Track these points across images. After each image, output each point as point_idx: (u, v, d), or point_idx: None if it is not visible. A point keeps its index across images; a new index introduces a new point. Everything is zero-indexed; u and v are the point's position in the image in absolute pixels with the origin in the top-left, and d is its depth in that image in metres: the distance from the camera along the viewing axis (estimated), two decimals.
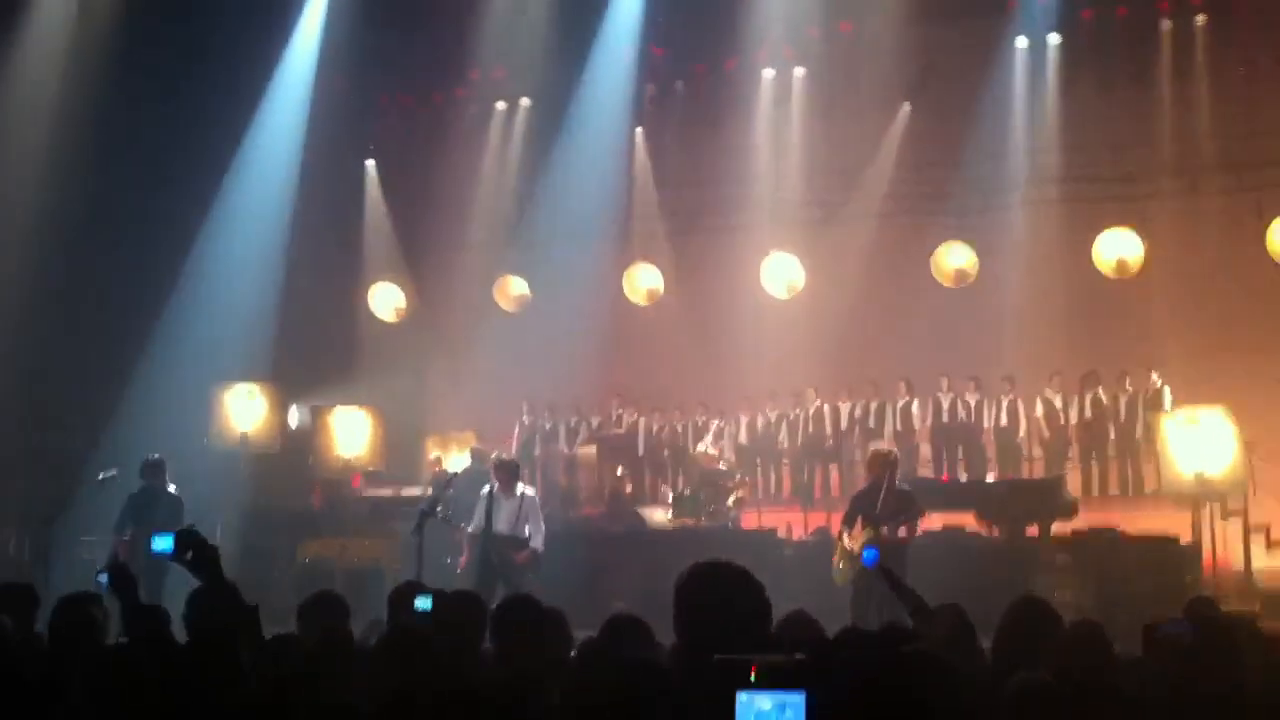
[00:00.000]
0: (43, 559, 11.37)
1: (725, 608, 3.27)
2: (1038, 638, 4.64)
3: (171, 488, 12.08)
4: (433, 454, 17.50)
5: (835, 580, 10.19)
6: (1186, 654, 4.58)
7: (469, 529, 11.46)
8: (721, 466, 15.76)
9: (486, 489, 11.57)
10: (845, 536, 10.30)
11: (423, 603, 5.36)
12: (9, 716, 3.53)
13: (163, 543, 5.46)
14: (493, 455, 13.42)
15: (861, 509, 10.23)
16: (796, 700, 2.02)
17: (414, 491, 15.53)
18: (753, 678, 2.04)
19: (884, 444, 12.04)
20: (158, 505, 11.84)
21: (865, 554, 7.22)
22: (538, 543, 11.33)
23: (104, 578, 5.61)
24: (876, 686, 3.31)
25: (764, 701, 2.03)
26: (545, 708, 3.61)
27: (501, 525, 11.29)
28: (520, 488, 11.58)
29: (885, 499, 10.09)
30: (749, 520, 14.62)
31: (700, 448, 16.48)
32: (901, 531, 9.99)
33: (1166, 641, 4.79)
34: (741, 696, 2.03)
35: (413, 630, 4.32)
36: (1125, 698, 4.35)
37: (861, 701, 3.16)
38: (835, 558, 10.32)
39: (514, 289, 18.97)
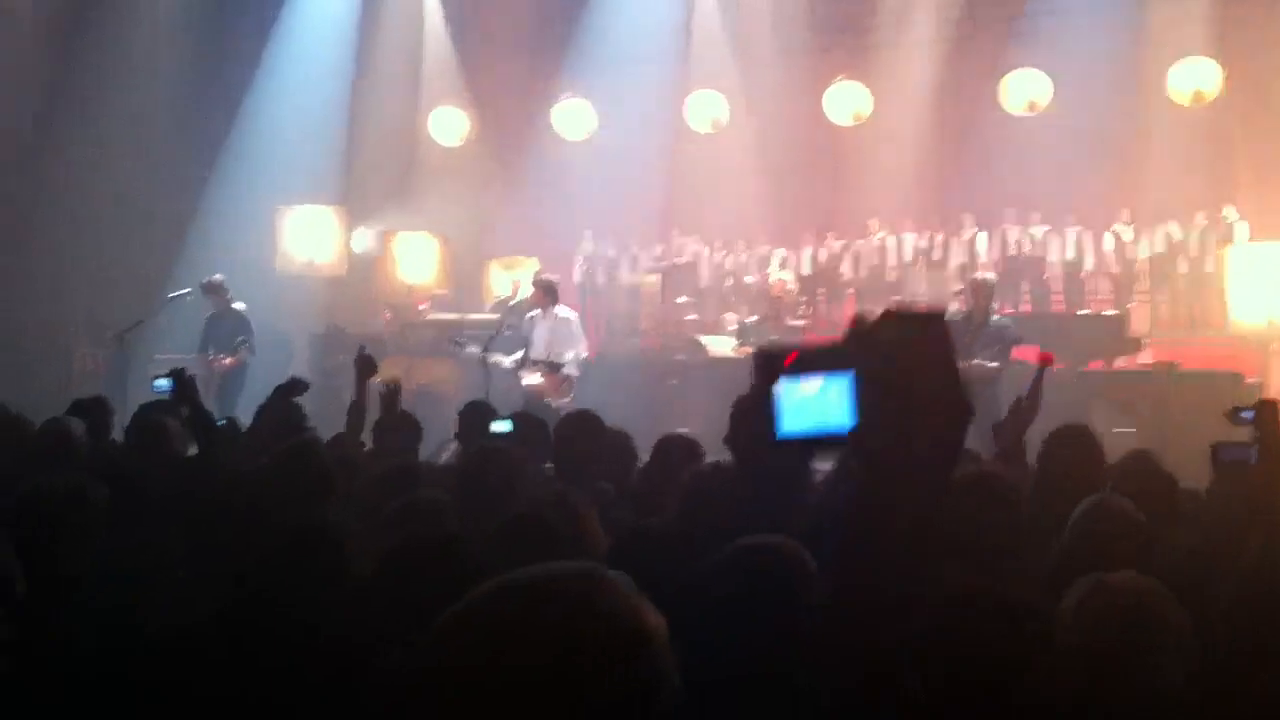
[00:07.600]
0: (119, 376, 11.62)
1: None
2: (1078, 463, 4.79)
3: (239, 305, 12.32)
4: (511, 279, 17.32)
5: None
6: (1251, 476, 4.69)
7: (515, 359, 11.16)
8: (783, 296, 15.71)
9: (534, 313, 11.35)
10: None
11: (500, 425, 5.48)
12: (81, 516, 3.70)
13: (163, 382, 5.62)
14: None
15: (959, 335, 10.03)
16: (842, 383, 1.79)
17: (479, 316, 15.66)
18: (789, 365, 1.83)
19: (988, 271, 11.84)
20: (224, 323, 12.14)
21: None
22: (570, 367, 11.00)
23: (165, 383, 5.70)
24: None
25: (809, 387, 1.81)
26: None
27: (539, 349, 11.04)
28: (556, 309, 11.27)
29: (981, 328, 10.07)
30: None
31: (772, 277, 16.42)
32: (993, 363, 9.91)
33: (1231, 464, 4.91)
34: (782, 384, 1.81)
35: (497, 449, 4.45)
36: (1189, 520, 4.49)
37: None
38: None
39: (576, 114, 18.75)
